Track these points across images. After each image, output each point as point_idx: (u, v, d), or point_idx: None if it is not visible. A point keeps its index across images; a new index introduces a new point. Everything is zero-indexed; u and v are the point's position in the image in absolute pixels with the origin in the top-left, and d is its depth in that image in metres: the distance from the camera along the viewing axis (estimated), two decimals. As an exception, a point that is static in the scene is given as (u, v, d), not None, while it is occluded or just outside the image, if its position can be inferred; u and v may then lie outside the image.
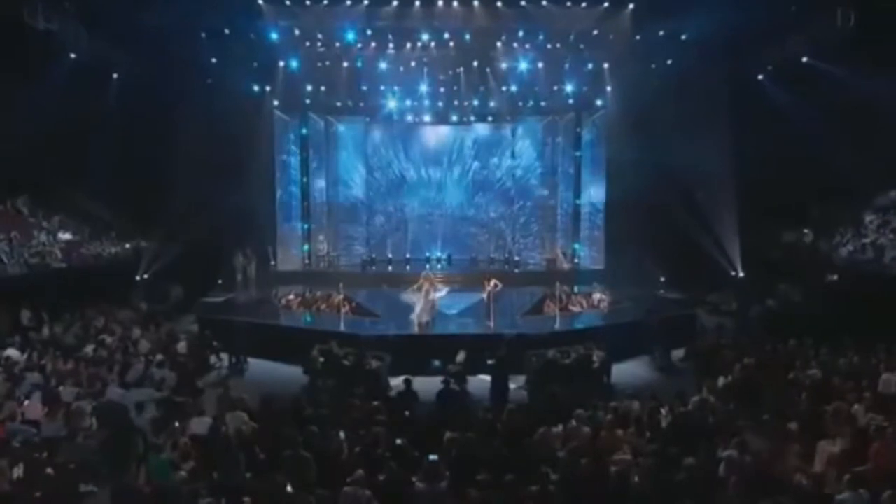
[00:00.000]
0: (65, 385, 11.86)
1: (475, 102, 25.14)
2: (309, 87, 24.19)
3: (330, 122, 26.08)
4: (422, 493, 7.64)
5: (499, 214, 26.64)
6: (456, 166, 26.79)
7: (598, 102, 24.46)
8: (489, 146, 26.66)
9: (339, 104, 25.09)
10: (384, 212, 26.80)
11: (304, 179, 25.58)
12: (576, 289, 21.25)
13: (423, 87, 24.05)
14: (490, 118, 26.18)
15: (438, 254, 25.91)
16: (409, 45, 22.15)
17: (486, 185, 26.72)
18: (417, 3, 19.99)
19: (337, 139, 26.42)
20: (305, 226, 25.66)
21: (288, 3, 19.95)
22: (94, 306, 18.20)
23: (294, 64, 22.84)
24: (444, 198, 26.77)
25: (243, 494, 7.56)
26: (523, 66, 23.23)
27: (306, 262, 25.41)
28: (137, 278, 21.36)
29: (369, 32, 21.40)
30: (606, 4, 20.12)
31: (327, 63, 23.12)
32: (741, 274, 21.23)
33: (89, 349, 14.12)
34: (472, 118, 26.21)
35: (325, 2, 20.05)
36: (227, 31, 20.39)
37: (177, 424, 10.30)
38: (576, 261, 25.25)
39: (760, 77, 20.86)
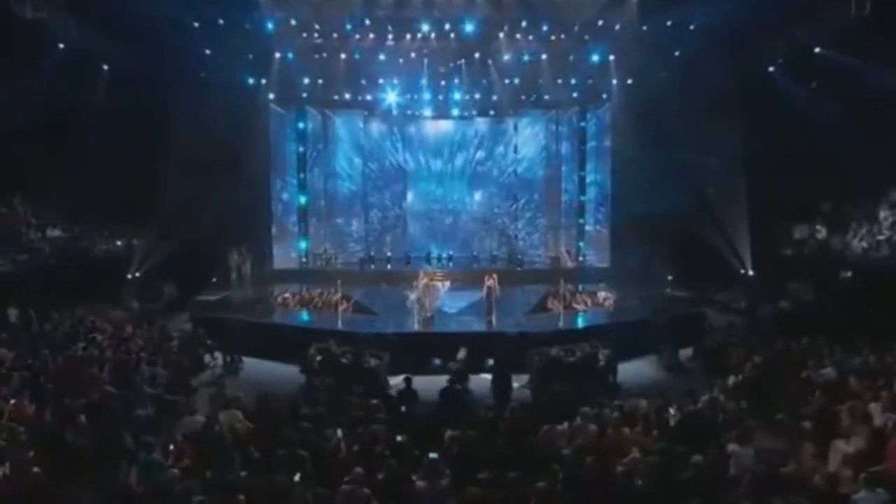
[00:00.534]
0: (54, 383, 11.76)
1: (476, 96, 25.13)
2: (306, 80, 24.19)
3: (327, 116, 26.09)
4: (422, 492, 7.57)
5: (501, 212, 26.70)
6: (457, 162, 26.89)
7: (604, 96, 24.46)
8: (491, 141, 26.74)
9: (336, 98, 25.08)
10: (383, 209, 26.85)
11: (301, 175, 25.62)
12: (580, 287, 21.17)
13: (423, 80, 23.99)
14: (492, 112, 26.18)
15: (439, 251, 25.88)
16: (408, 36, 22.08)
17: (487, 181, 26.75)
18: (417, -8, 20.02)
19: (334, 134, 26.41)
20: (302, 223, 25.66)
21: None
22: (85, 304, 18.12)
23: (290, 56, 22.80)
24: (445, 194, 26.83)
25: (237, 493, 7.48)
26: (526, 57, 23.17)
27: (303, 260, 25.39)
28: (129, 276, 21.27)
29: (368, 22, 21.32)
30: (611, -7, 20.12)
31: (324, 55, 23.06)
32: (751, 272, 21.13)
33: (79, 347, 14.02)
34: (474, 112, 26.20)
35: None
36: (221, 22, 20.33)
37: (169, 422, 10.21)
38: (580, 259, 25.21)
39: (771, 68, 20.74)
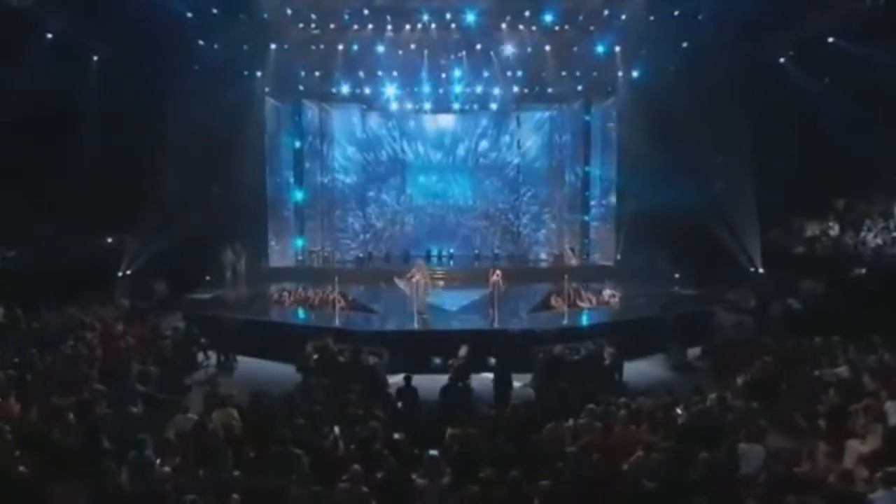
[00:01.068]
0: (41, 381, 11.73)
1: (478, 89, 25.01)
2: (302, 73, 24.12)
3: (325, 110, 26.04)
4: (422, 490, 7.55)
5: (503, 209, 26.62)
6: (458, 158, 26.84)
7: (609, 89, 24.41)
8: (492, 136, 26.66)
9: (334, 91, 25.01)
10: (382, 206, 26.83)
11: (298, 171, 25.57)
12: (585, 285, 21.10)
13: (423, 73, 23.85)
14: (494, 106, 26.07)
15: (439, 249, 25.85)
16: (407, 27, 22.02)
17: (489, 177, 26.71)
18: (418, -19, 19.99)
19: (332, 128, 26.38)
20: (299, 220, 25.65)
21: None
22: (74, 303, 18.09)
23: (287, 47, 22.72)
24: (446, 191, 26.80)
25: (230, 492, 7.46)
26: (529, 49, 23.06)
27: (300, 257, 25.35)
28: (120, 274, 21.24)
29: (366, 13, 21.27)
30: (618, -18, 20.11)
31: (321, 46, 22.97)
32: (761, 270, 21.09)
33: (68, 345, 13.99)
34: (475, 106, 26.12)
35: (320, -21, 20.06)
36: (214, 12, 20.24)
37: (161, 421, 10.19)
38: (585, 257, 25.15)
39: (782, 59, 20.71)
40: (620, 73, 23.42)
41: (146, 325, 16.85)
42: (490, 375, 13.41)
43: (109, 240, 22.71)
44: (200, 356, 15.85)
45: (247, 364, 15.97)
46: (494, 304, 16.79)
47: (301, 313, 19.22)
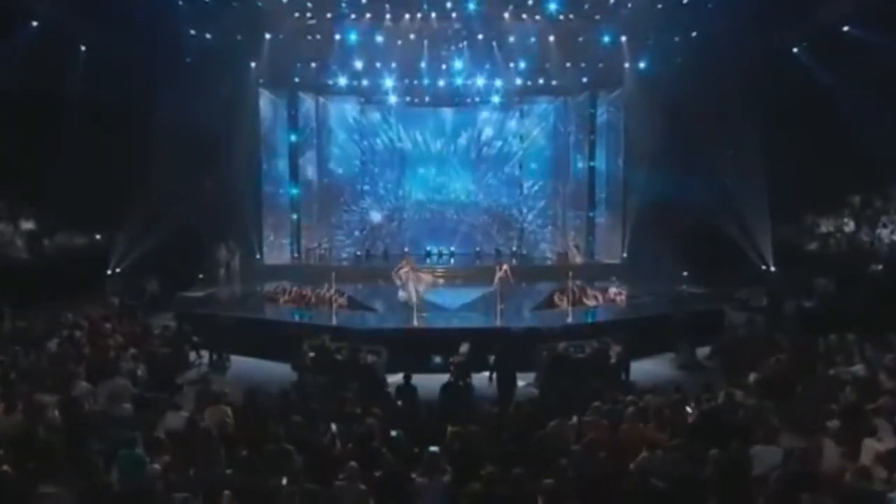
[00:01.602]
0: (26, 380, 11.71)
1: (480, 81, 24.99)
2: (298, 64, 24.11)
3: (321, 103, 26.01)
4: (422, 488, 7.52)
5: (505, 204, 26.57)
6: (459, 152, 26.77)
7: (616, 81, 24.34)
8: (495, 130, 26.61)
9: (330, 82, 24.98)
10: (381, 202, 26.77)
11: (294, 165, 25.53)
12: (589, 284, 21.04)
13: (423, 64, 23.85)
14: (496, 99, 26.01)
15: (439, 247, 25.82)
16: (407, 16, 22.08)
17: (491, 173, 26.63)
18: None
19: (329, 121, 26.36)
20: (294, 216, 25.61)
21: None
22: (62, 301, 18.05)
23: (282, 37, 22.72)
24: (446, 187, 26.77)
25: (222, 490, 7.43)
26: (532, 39, 23.11)
27: (295, 255, 25.33)
28: (110, 272, 21.22)
29: (364, 1, 21.34)
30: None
31: (318, 36, 23.04)
32: (773, 268, 21.06)
33: (54, 343, 14.00)
34: (477, 99, 26.07)
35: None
36: (207, 0, 20.25)
37: (152, 419, 10.17)
38: (590, 254, 25.17)
39: (795, 49, 20.64)
40: (627, 65, 23.42)
41: (136, 323, 16.80)
42: (489, 373, 13.47)
43: (98, 236, 22.67)
44: (192, 355, 15.85)
45: (240, 363, 15.95)
46: (500, 300, 16.77)
47: (296, 311, 19.16)
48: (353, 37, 22.92)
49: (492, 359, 13.95)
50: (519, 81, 24.82)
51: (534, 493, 7.36)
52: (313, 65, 24.12)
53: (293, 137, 25.55)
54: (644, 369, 14.90)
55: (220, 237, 23.16)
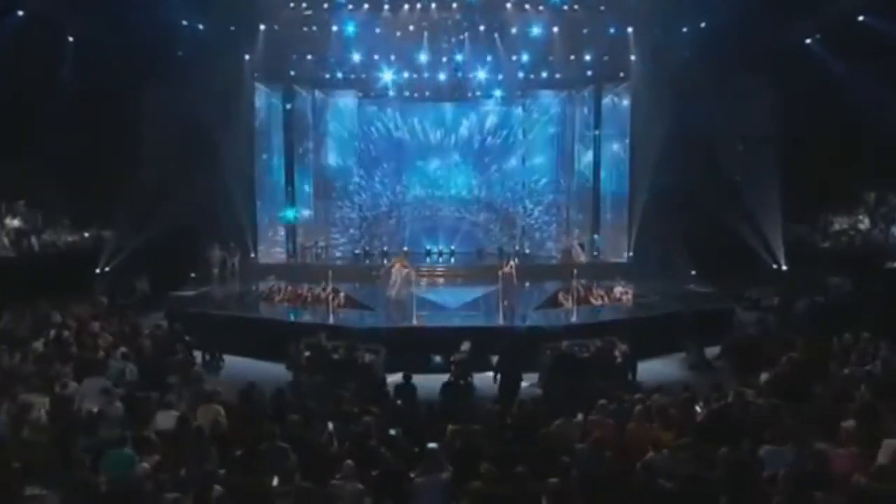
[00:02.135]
0: (11, 379, 11.72)
1: (481, 75, 24.96)
2: (294, 56, 24.07)
3: (317, 97, 25.98)
4: (420, 486, 7.51)
5: (507, 201, 26.54)
6: (460, 148, 26.73)
7: (622, 73, 24.29)
8: (497, 125, 26.58)
9: (327, 76, 24.99)
10: (379, 199, 26.72)
11: (289, 161, 25.46)
12: (595, 283, 21.02)
13: (423, 57, 23.82)
14: (498, 92, 25.96)
15: (440, 246, 25.82)
16: (406, 7, 22.06)
17: (493, 169, 26.59)
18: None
19: (325, 116, 26.33)
20: (290, 213, 25.50)
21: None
22: (48, 300, 18.04)
23: (277, 28, 22.70)
24: (447, 183, 26.73)
25: (213, 489, 7.43)
26: (536, 31, 23.06)
27: (291, 253, 25.29)
28: (98, 271, 21.21)
29: (362, -10, 21.34)
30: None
31: (314, 28, 22.99)
32: (784, 267, 21.03)
33: (39, 343, 14.04)
34: (478, 93, 26.01)
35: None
36: (198, -12, 20.30)
37: (142, 419, 10.17)
38: (595, 253, 25.13)
39: (808, 41, 20.63)
40: (633, 57, 23.31)
41: (126, 322, 16.77)
42: (493, 374, 13.46)
43: (86, 234, 22.67)
44: (184, 355, 15.74)
45: (234, 363, 15.96)
46: (508, 297, 16.84)
47: (292, 310, 19.17)
48: (350, 28, 22.87)
49: (494, 359, 13.96)
50: (522, 74, 24.77)
51: (537, 492, 7.35)
52: (309, 57, 24.04)
53: (288, 132, 25.48)
54: (651, 370, 14.86)
55: (212, 235, 23.08)
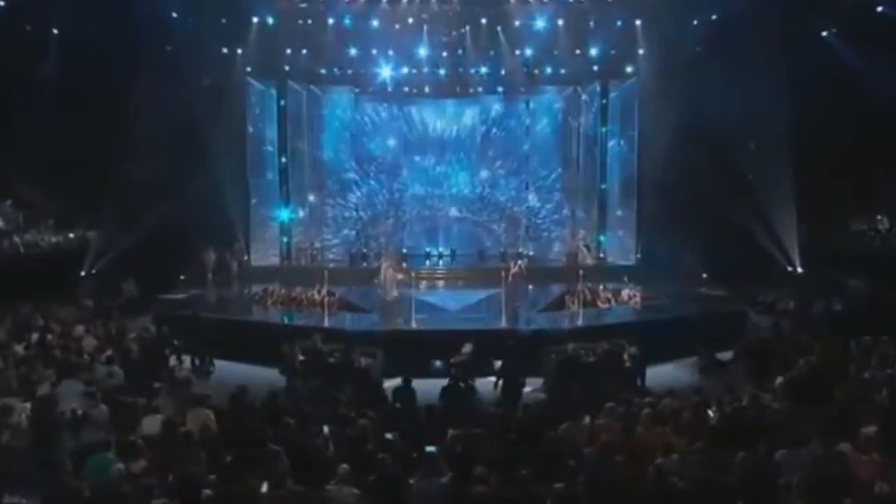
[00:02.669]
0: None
1: (483, 70, 24.96)
2: (288, 51, 24.02)
3: (313, 93, 25.96)
4: (419, 492, 7.44)
5: (511, 201, 26.50)
6: (461, 146, 26.72)
7: (629, 69, 24.29)
8: (500, 121, 26.59)
9: (323, 71, 24.99)
10: (377, 198, 26.69)
11: (283, 159, 25.43)
12: (601, 286, 20.98)
13: (423, 51, 23.79)
14: (501, 88, 26.00)
15: (440, 247, 25.76)
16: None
17: (495, 167, 26.56)
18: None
19: (321, 113, 26.31)
20: (284, 214, 25.45)
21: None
22: (31, 303, 18.00)
23: (270, 21, 22.63)
24: (447, 182, 26.72)
25: (202, 494, 7.37)
26: (540, 24, 23.00)
27: (285, 255, 25.23)
28: (83, 273, 21.17)
29: (358, -19, 21.30)
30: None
31: (309, 21, 22.93)
32: (800, 269, 20.98)
33: (21, 347, 14.02)
34: (480, 89, 26.04)
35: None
36: (189, -21, 20.29)
37: (128, 423, 10.11)
38: (601, 255, 25.08)
39: (824, 33, 20.59)
40: (642, 51, 23.34)
41: (111, 324, 16.73)
42: (496, 379, 13.41)
43: (71, 235, 22.64)
44: (172, 360, 15.73)
45: (225, 368, 15.93)
46: (515, 298, 16.88)
47: (286, 313, 19.16)
48: (346, 21, 22.81)
49: (497, 363, 13.91)
50: (525, 69, 24.71)
51: (542, 497, 7.28)
52: (304, 52, 24.00)
53: (282, 129, 25.44)
54: (660, 374, 14.85)
55: (205, 237, 23.01)
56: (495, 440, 8.71)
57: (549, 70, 25.01)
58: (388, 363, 14.19)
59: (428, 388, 11.99)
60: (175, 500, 7.45)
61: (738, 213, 21.06)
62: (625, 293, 19.82)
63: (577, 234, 25.78)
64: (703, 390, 11.33)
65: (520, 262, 18.00)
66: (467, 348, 13.30)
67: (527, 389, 13.26)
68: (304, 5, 22.49)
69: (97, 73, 19.46)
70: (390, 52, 24.14)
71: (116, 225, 21.19)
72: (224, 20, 22.19)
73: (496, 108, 26.56)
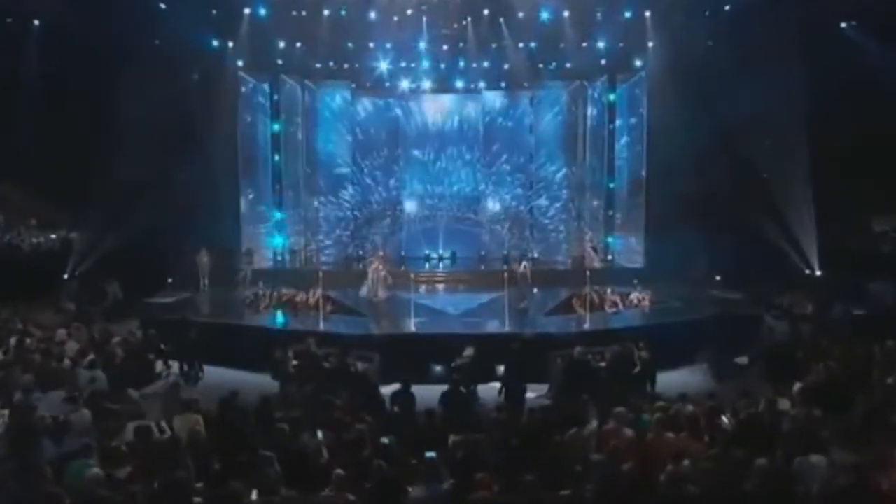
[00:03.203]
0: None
1: (485, 64, 24.95)
2: (281, 44, 23.99)
3: (307, 88, 25.95)
4: (418, 499, 7.42)
5: (514, 200, 26.51)
6: (462, 144, 26.71)
7: (638, 63, 24.28)
8: (502, 118, 26.53)
9: (318, 65, 24.97)
10: (374, 198, 26.70)
11: (276, 158, 25.44)
12: (609, 289, 20.93)
13: (422, 45, 23.76)
14: (504, 84, 26.01)
15: (440, 249, 25.78)
16: (404, -10, 22.02)
17: (497, 166, 26.56)
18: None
19: (316, 109, 26.31)
20: (277, 214, 25.48)
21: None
22: (10, 306, 17.99)
23: (263, 13, 22.59)
24: (448, 182, 26.71)
25: (189, 501, 7.34)
26: (545, 15, 22.92)
27: (278, 257, 25.20)
28: (66, 276, 21.15)
29: (355, -30, 21.30)
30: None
31: (303, 13, 22.84)
32: (818, 272, 20.93)
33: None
34: (482, 84, 26.03)
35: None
36: (178, -32, 20.28)
37: (112, 428, 10.09)
38: (609, 257, 25.05)
39: (843, 25, 20.56)
40: (651, 44, 23.26)
41: (95, 328, 16.72)
42: (499, 385, 13.35)
43: (53, 236, 22.62)
44: (159, 366, 15.72)
45: (215, 374, 15.96)
46: (523, 299, 16.91)
47: (279, 316, 19.16)
48: (343, 13, 22.72)
49: (500, 369, 13.87)
50: (529, 63, 24.65)
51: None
52: (298, 45, 23.97)
53: (276, 127, 25.44)
54: (671, 380, 14.78)
55: (197, 240, 22.87)
56: (498, 446, 8.68)
57: (554, 64, 25.03)
58: (386, 368, 14.21)
59: (427, 394, 11.96)
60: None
61: (753, 212, 21.03)
62: (634, 296, 19.81)
63: (583, 235, 25.74)
64: (716, 395, 11.29)
65: (525, 262, 17.80)
66: (469, 352, 13.31)
67: (531, 395, 13.19)
68: (298, -5, 22.47)
69: (81, 68, 19.52)
70: (388, 46, 24.08)
71: (101, 225, 21.17)
72: (214, 11, 22.08)
73: (499, 103, 26.51)
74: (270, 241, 25.35)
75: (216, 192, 22.91)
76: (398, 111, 26.59)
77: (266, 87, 25.27)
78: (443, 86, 26.08)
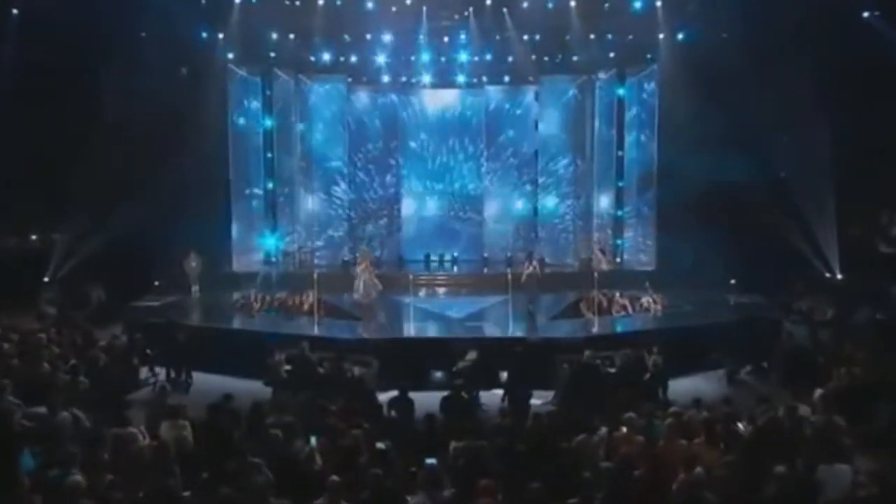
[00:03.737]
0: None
1: (488, 57, 24.97)
2: (274, 35, 24.03)
3: (301, 82, 25.95)
4: (418, 507, 7.43)
5: (518, 199, 26.53)
6: (463, 141, 26.74)
7: (648, 55, 24.25)
8: (506, 115, 26.58)
9: (312, 59, 24.95)
10: (372, 198, 26.70)
11: (269, 155, 25.45)
12: (618, 293, 20.91)
13: (421, 37, 23.78)
14: (507, 78, 26.05)
15: (440, 251, 25.77)
16: (402, -20, 22.06)
17: (501, 164, 26.57)
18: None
19: (310, 104, 26.29)
20: (270, 214, 25.51)
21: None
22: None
23: (254, 2, 22.61)
24: (449, 181, 26.72)
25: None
26: (550, 6, 22.97)
27: (272, 260, 25.15)
28: (46, 279, 21.15)
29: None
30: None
31: (297, 3, 22.88)
32: (839, 275, 20.91)
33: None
34: (484, 78, 26.02)
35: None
36: (164, -43, 20.26)
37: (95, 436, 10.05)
38: (618, 259, 25.03)
39: (866, 14, 20.54)
40: (662, 35, 23.26)
41: (77, 332, 16.69)
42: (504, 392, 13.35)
43: (33, 237, 22.61)
44: (145, 371, 15.70)
45: (204, 381, 15.88)
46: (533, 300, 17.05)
47: (272, 320, 19.15)
48: (338, 2, 22.76)
49: (503, 375, 13.85)
50: (534, 57, 24.69)
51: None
52: (292, 36, 24.04)
53: (268, 123, 25.47)
54: (683, 387, 14.74)
55: (185, 241, 22.81)
56: (502, 452, 8.68)
57: (560, 57, 24.96)
58: (384, 374, 14.19)
59: (427, 400, 11.93)
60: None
61: (770, 213, 21.07)
62: (644, 300, 19.79)
63: (591, 237, 25.73)
64: (732, 401, 11.27)
65: (534, 262, 17.86)
66: (472, 355, 13.32)
67: (536, 402, 13.19)
68: (291, -15, 22.49)
69: (62, 60, 19.47)
70: (386, 38, 24.09)
71: (84, 226, 21.15)
72: (203, 1, 22.09)
73: (502, 98, 26.53)
74: (262, 241, 25.32)
75: (206, 192, 22.85)
76: (396, 106, 26.56)
77: (258, 80, 25.23)
78: (443, 80, 26.00)
